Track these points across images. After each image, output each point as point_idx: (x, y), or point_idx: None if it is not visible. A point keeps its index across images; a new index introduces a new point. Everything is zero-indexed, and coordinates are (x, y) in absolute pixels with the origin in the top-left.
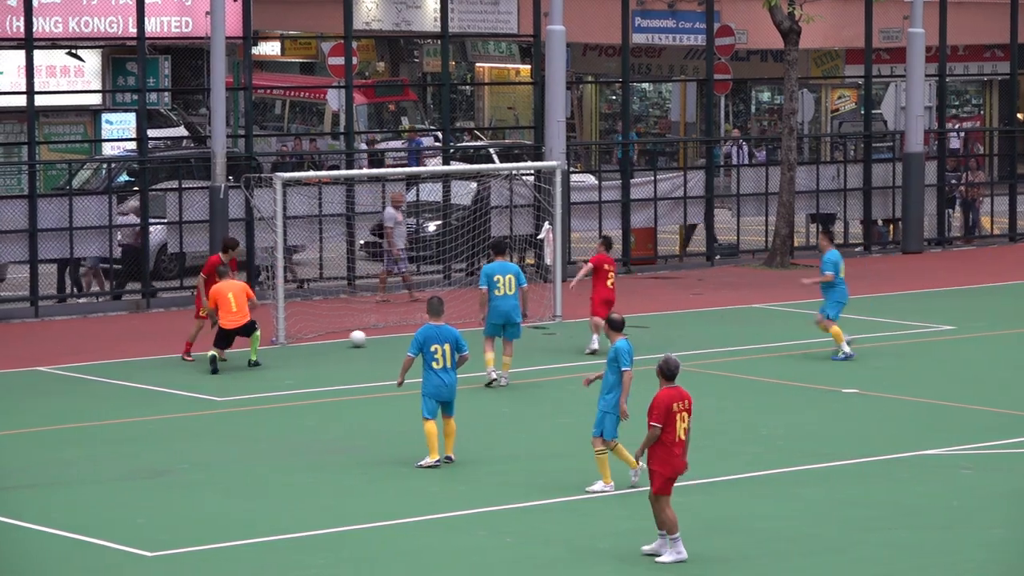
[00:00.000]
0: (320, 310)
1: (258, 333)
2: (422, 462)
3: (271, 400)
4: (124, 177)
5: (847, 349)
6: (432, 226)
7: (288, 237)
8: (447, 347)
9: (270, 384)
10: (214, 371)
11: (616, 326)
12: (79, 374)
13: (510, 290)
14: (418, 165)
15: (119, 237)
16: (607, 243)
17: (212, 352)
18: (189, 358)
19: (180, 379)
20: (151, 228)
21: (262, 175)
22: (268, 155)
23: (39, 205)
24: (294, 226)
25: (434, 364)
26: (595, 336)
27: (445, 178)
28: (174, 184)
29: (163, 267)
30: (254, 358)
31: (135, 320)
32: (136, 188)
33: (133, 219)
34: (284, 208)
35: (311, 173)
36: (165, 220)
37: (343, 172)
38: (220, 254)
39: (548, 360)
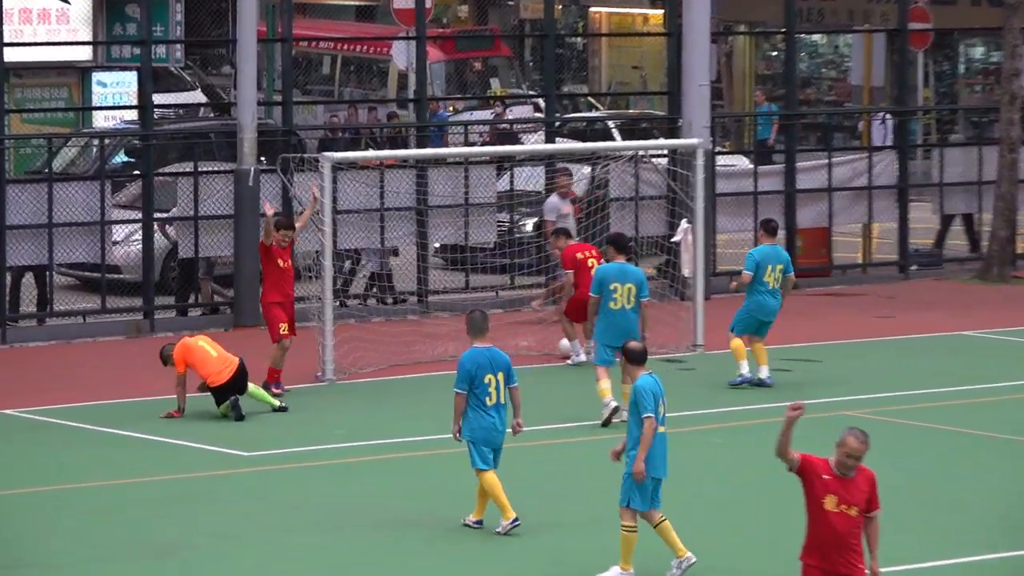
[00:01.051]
0: (381, 335)
1: (256, 388)
2: (500, 528)
3: (314, 456)
4: (122, 157)
5: None
6: (531, 224)
7: (339, 238)
8: (500, 377)
9: (314, 434)
10: (238, 416)
11: (635, 357)
12: (60, 419)
13: (629, 303)
14: (508, 143)
15: (115, 236)
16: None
17: (233, 396)
18: (279, 390)
19: (194, 427)
20: (157, 225)
21: (305, 155)
22: (313, 129)
23: (8, 194)
24: (347, 224)
25: (487, 400)
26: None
27: (549, 160)
28: (188, 167)
29: (172, 277)
30: (277, 404)
31: (132, 347)
32: (137, 172)
33: (133, 214)
34: (334, 199)
35: (370, 153)
36: (175, 214)
37: (413, 152)
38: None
39: (684, 402)
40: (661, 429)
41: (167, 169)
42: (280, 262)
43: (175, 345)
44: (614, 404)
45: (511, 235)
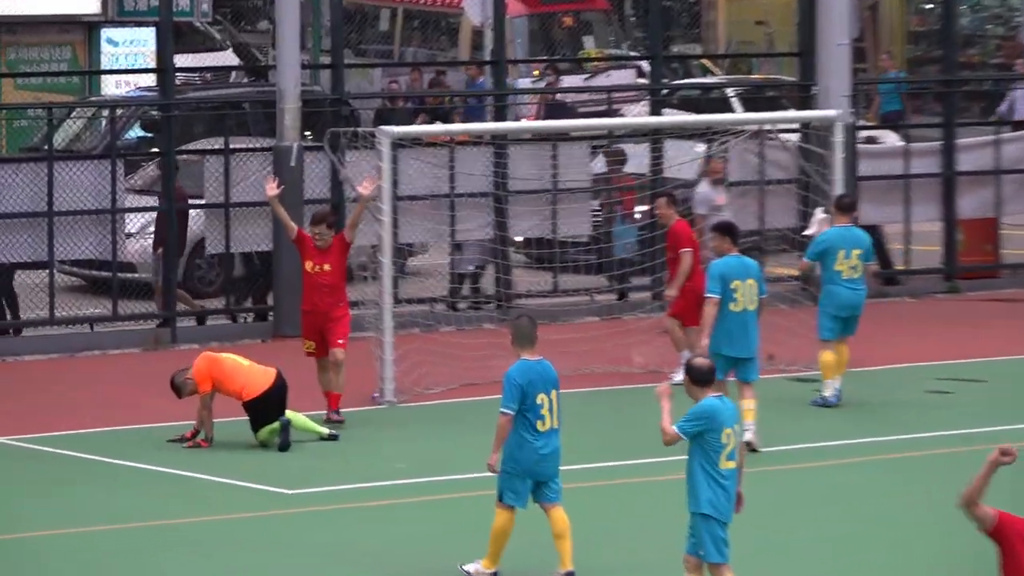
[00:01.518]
0: (452, 348)
1: (296, 415)
2: (469, 568)
3: (369, 494)
4: (137, 132)
5: None
6: (635, 212)
7: (400, 229)
8: (554, 396)
9: (369, 469)
10: (284, 444)
11: (700, 376)
12: (64, 448)
13: (751, 303)
14: (604, 115)
15: (128, 227)
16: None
17: (284, 418)
18: (338, 417)
19: (225, 459)
20: (181, 214)
21: (359, 129)
22: (369, 97)
23: (55, 173)
24: (410, 212)
25: (539, 424)
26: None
27: (655, 136)
28: (218, 143)
29: (199, 276)
30: (325, 432)
31: (150, 362)
32: (156, 150)
33: (151, 200)
34: (394, 183)
35: (437, 127)
36: (202, 201)
37: (490, 125)
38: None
39: (812, 431)
40: (729, 464)
41: (191, 146)
42: (309, 264)
43: (192, 367)
44: (749, 436)
45: (609, 227)
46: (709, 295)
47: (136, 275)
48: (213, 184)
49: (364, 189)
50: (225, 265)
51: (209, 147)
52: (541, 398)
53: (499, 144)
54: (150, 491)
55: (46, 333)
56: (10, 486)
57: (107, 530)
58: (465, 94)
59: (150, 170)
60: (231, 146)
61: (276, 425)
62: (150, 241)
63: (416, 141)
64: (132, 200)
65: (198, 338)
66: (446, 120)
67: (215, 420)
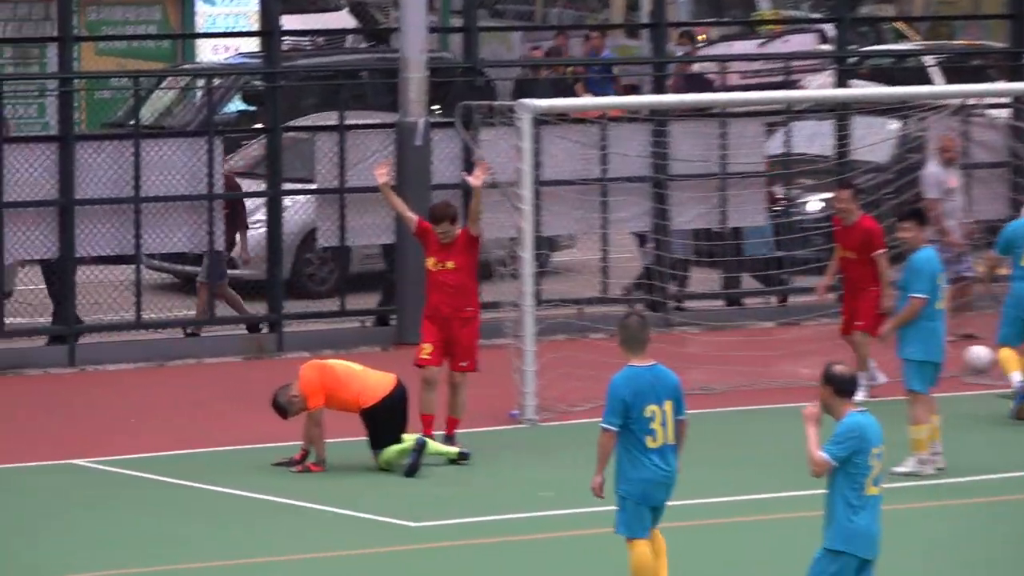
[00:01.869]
0: (603, 356)
1: (421, 441)
2: None
3: (507, 528)
4: (237, 105)
5: None
6: (816, 201)
7: (543, 219)
8: (668, 408)
9: (507, 497)
10: (413, 467)
11: (845, 385)
12: (151, 471)
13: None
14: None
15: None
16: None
17: (416, 437)
18: (462, 451)
19: (339, 486)
20: (287, 201)
21: (495, 103)
22: (506, 66)
23: (77, 156)
24: (555, 199)
25: (649, 441)
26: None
27: (841, 111)
28: (331, 118)
29: (309, 274)
30: (455, 451)
31: (252, 372)
32: (260, 126)
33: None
34: (535, 164)
35: (587, 100)
36: (313, 186)
37: (648, 98)
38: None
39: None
40: (875, 491)
41: (300, 122)
42: (432, 261)
43: (296, 382)
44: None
45: (787, 217)
46: (917, 295)
47: (236, 272)
48: (326, 166)
49: (475, 179)
50: (340, 261)
51: (321, 123)
52: (651, 410)
53: (659, 121)
54: (255, 523)
55: (132, 338)
56: (98, 518)
57: (209, 567)
58: (617, 61)
59: (253, 149)
60: (346, 122)
61: (405, 445)
62: (255, 232)
63: (562, 117)
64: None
65: (308, 344)
66: (597, 92)
67: (326, 440)
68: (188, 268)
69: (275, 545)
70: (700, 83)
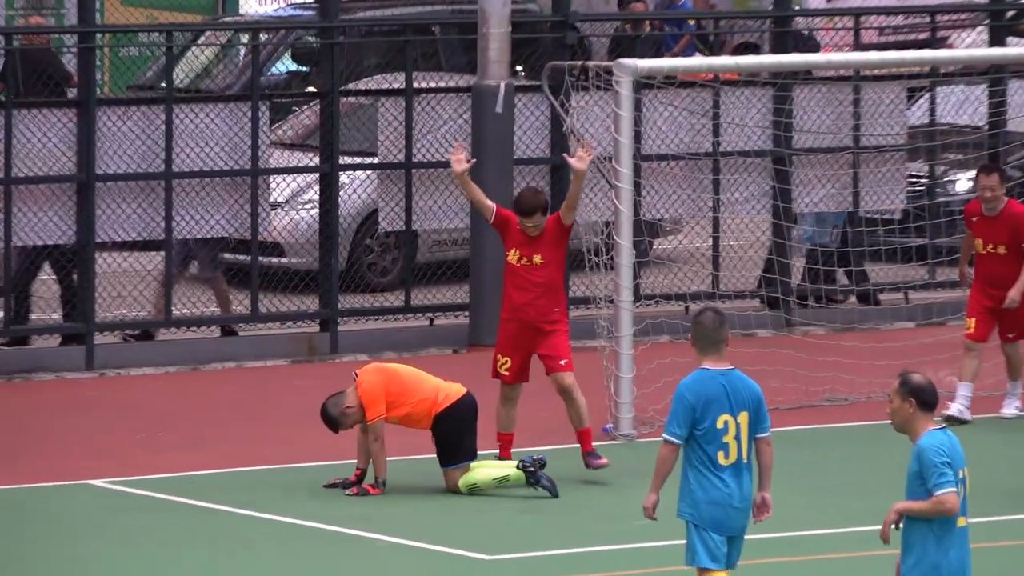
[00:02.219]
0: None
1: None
2: None
3: (594, 562)
4: (287, 65)
5: None
6: (964, 179)
7: (644, 200)
8: (743, 420)
9: (597, 526)
10: (550, 485)
11: (931, 399)
12: (184, 496)
13: None
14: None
15: (275, 195)
16: None
17: (533, 458)
18: (599, 461)
19: (403, 512)
20: (344, 178)
21: (590, 63)
22: (603, 20)
23: (100, 122)
24: (658, 176)
25: (720, 457)
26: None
27: (994, 75)
28: (397, 81)
29: (369, 263)
30: (519, 476)
31: (303, 377)
32: (313, 89)
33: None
34: (636, 136)
35: (696, 60)
36: (376, 160)
37: (768, 59)
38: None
39: None
40: (963, 522)
41: (361, 84)
42: (514, 254)
43: (352, 389)
44: None
45: (931, 198)
46: None
47: (285, 260)
48: (389, 137)
49: (578, 161)
50: (405, 248)
51: (385, 87)
52: (724, 420)
53: (781, 85)
54: (301, 555)
55: (162, 339)
56: (116, 548)
57: None
58: (740, 15)
59: (304, 117)
60: (415, 85)
61: (504, 472)
62: (306, 214)
63: (668, 80)
64: (279, 157)
65: (366, 346)
66: (712, 52)
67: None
68: (228, 256)
69: None
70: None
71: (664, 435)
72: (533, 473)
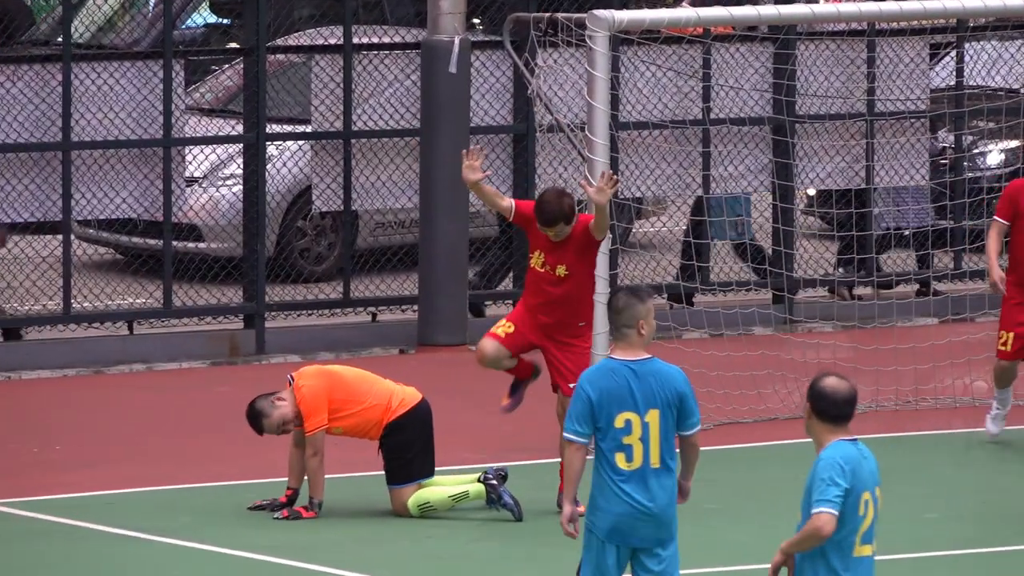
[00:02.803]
0: (704, 364)
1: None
2: None
3: None
4: (205, 17)
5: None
6: (996, 151)
7: (623, 175)
8: (653, 418)
9: (570, 554)
10: (514, 506)
11: (822, 406)
12: (79, 519)
13: None
14: None
15: (190, 169)
16: None
17: (495, 470)
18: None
19: (343, 539)
20: (272, 149)
21: (559, 15)
22: None
23: (74, 82)
24: (635, 148)
25: (620, 461)
26: None
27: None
28: (333, 36)
29: (301, 246)
30: (480, 491)
31: (222, 379)
32: (235, 45)
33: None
34: (613, 99)
35: (683, 11)
36: (309, 129)
37: (769, 9)
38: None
39: None
40: (867, 550)
41: (291, 40)
42: (537, 257)
43: (287, 392)
44: None
45: (958, 174)
46: None
47: (203, 245)
48: (324, 101)
49: (598, 193)
50: (344, 231)
51: (320, 42)
52: (625, 419)
53: (783, 40)
54: None
55: (59, 336)
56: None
57: None
58: None
59: (226, 78)
60: (355, 40)
61: (462, 489)
62: (227, 192)
63: (650, 35)
64: (195, 125)
65: (298, 345)
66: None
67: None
68: (135, 240)
69: None
70: None
71: (564, 433)
72: (495, 487)
